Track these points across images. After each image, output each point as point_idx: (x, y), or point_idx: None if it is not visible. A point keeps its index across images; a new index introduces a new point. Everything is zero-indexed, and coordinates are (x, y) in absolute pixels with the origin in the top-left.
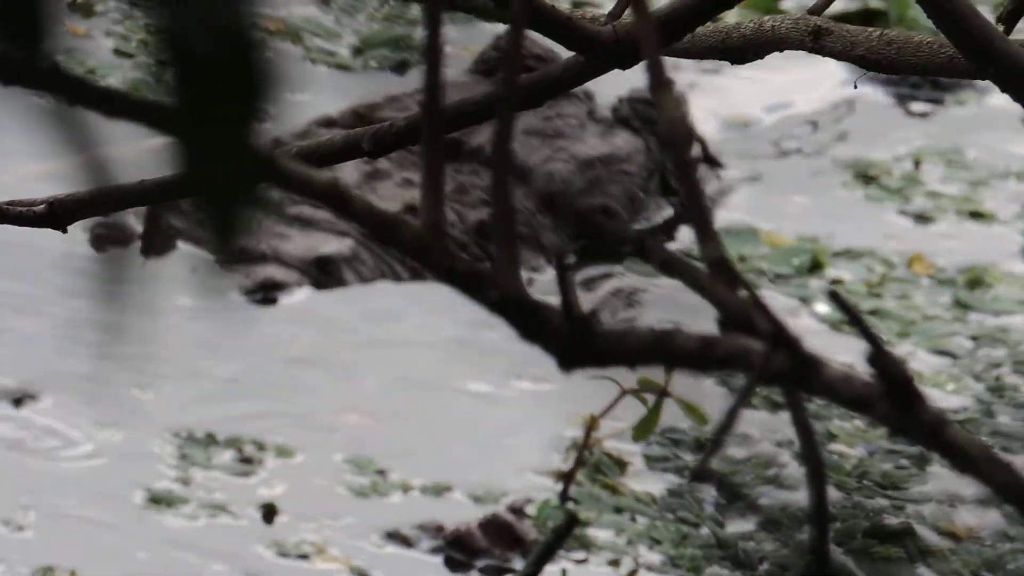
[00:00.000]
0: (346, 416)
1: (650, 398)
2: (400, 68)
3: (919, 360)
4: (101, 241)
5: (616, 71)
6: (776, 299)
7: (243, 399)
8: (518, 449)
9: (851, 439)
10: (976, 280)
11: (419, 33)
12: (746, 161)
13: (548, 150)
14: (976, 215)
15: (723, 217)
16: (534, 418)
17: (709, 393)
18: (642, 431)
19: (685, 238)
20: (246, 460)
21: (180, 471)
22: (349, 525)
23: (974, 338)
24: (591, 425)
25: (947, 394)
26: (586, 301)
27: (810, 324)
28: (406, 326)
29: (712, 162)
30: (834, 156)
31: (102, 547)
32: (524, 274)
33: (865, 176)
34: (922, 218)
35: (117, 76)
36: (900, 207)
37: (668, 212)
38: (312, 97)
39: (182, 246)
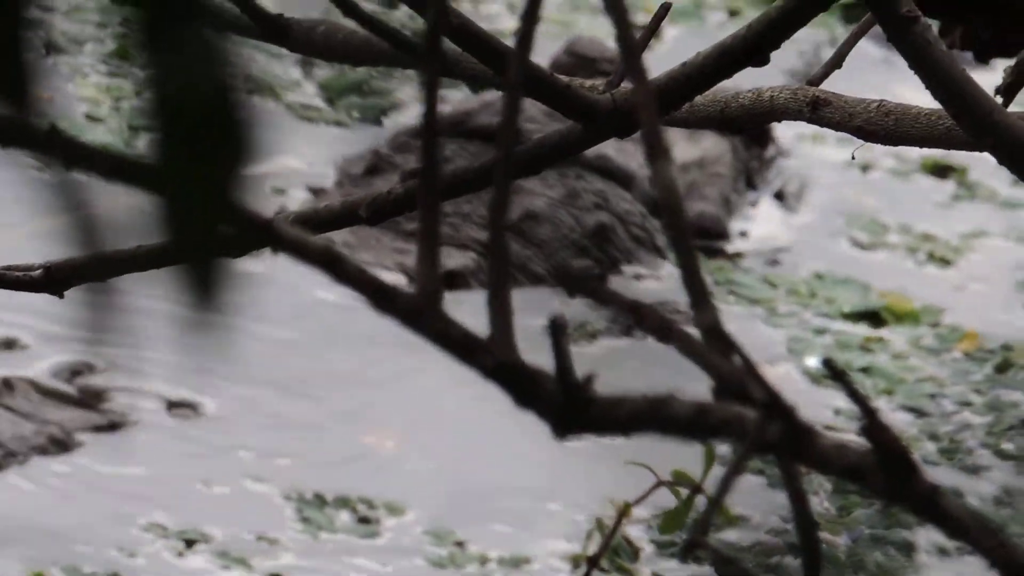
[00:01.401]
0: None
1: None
2: (377, 119)
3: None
4: None
5: None
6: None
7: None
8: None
9: (833, 526)
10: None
11: (386, 77)
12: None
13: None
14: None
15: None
16: (569, 481)
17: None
18: (671, 525)
19: (762, 230)
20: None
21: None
22: None
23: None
24: (623, 512)
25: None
26: (587, 354)
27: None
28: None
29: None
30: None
31: None
32: (640, 277)
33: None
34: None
35: (91, 140)
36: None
37: (757, 212)
38: (291, 154)
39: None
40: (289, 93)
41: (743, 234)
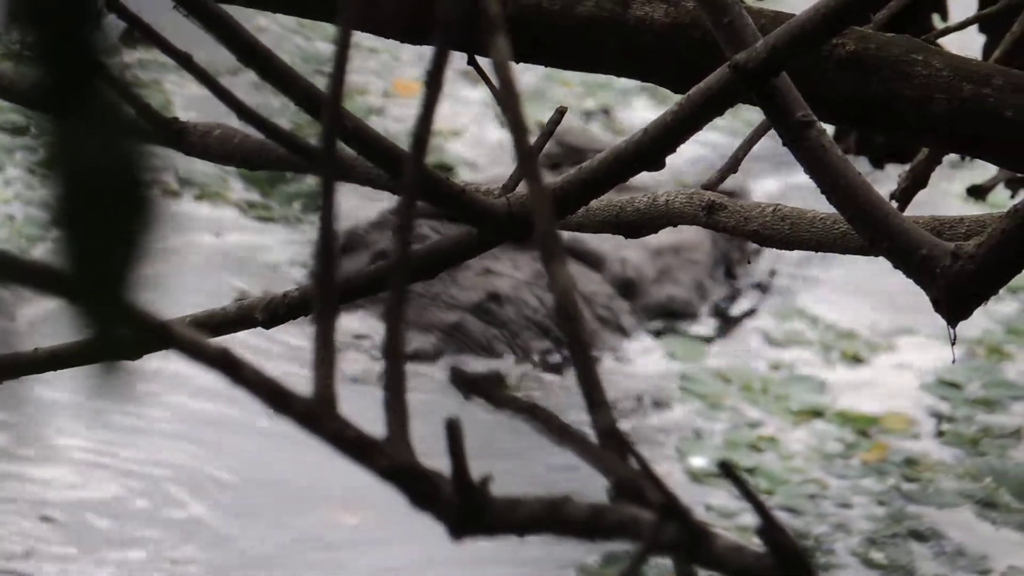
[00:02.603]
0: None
1: None
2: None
3: None
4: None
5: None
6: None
7: None
8: None
9: None
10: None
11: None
12: None
13: (619, 238)
14: None
15: None
16: None
17: None
18: None
19: (762, 323)
20: None
21: None
22: None
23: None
24: None
25: None
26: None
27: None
28: None
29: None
30: None
31: None
32: (604, 354)
33: None
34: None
35: None
36: None
37: (735, 300)
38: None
39: None
40: (224, 190)
41: (723, 318)
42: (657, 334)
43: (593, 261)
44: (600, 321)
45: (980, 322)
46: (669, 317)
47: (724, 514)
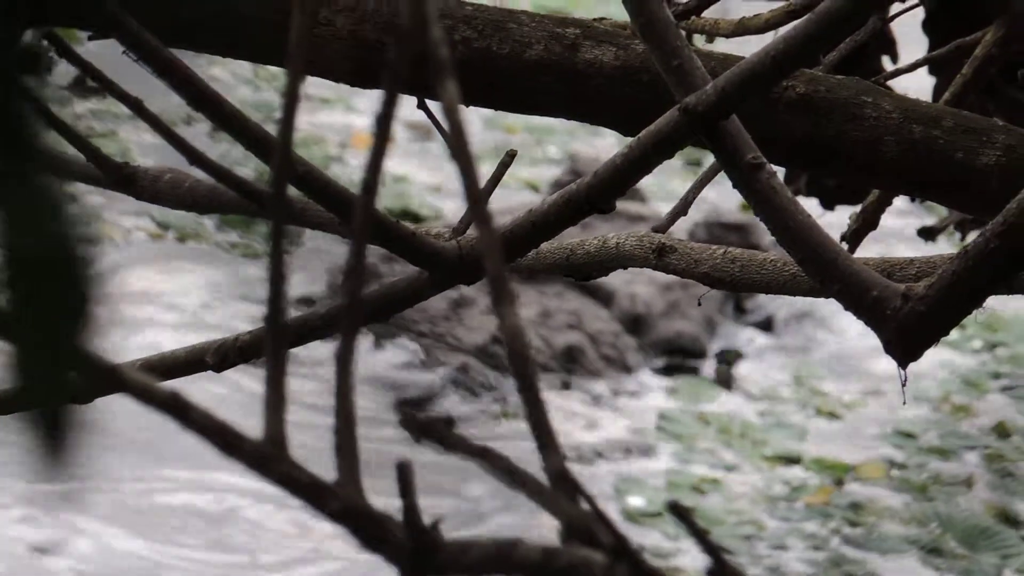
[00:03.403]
0: None
1: None
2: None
3: None
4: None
5: None
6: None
7: None
8: None
9: None
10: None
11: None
12: None
13: (630, 273)
14: None
15: None
16: None
17: None
18: None
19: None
20: None
21: None
22: None
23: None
24: None
25: None
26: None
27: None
28: None
29: None
30: None
31: None
32: (610, 390)
33: None
34: None
35: None
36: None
37: (742, 335)
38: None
39: None
40: (203, 231)
41: (725, 361)
42: (663, 371)
43: (603, 297)
44: (605, 360)
45: (939, 374)
46: (677, 354)
47: (658, 554)
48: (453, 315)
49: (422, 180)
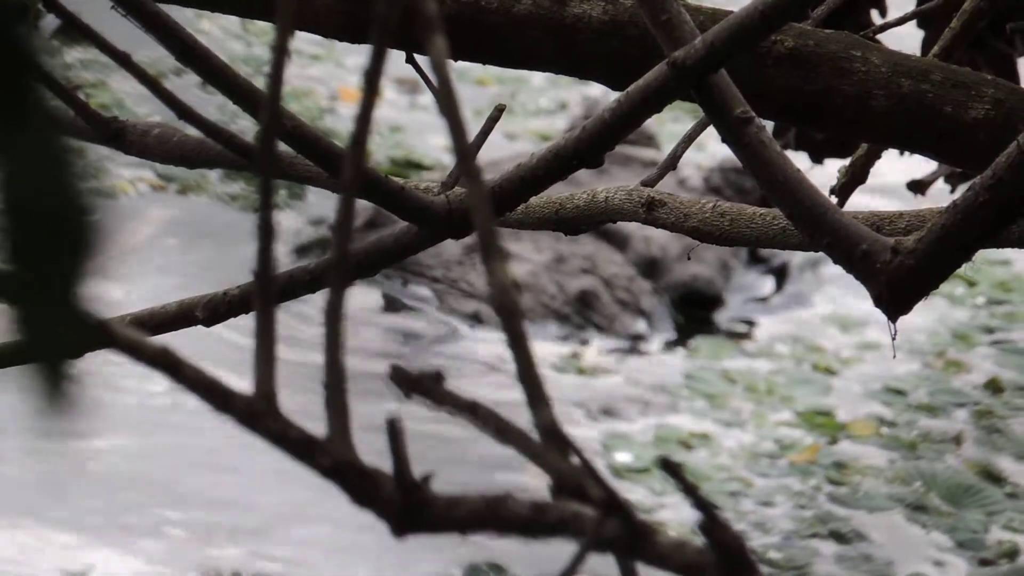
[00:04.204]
0: None
1: None
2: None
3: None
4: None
5: (711, 136)
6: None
7: None
8: None
9: None
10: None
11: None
12: None
13: None
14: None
15: None
16: None
17: None
18: None
19: (779, 306)
20: None
21: None
22: None
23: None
24: None
25: None
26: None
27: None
28: None
29: None
30: None
31: None
32: (627, 338)
33: None
34: None
35: None
36: None
37: (758, 280)
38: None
39: None
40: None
41: (748, 323)
42: (679, 328)
43: (618, 241)
44: (620, 304)
45: (932, 327)
46: (693, 298)
47: (643, 510)
48: (467, 259)
49: (418, 131)
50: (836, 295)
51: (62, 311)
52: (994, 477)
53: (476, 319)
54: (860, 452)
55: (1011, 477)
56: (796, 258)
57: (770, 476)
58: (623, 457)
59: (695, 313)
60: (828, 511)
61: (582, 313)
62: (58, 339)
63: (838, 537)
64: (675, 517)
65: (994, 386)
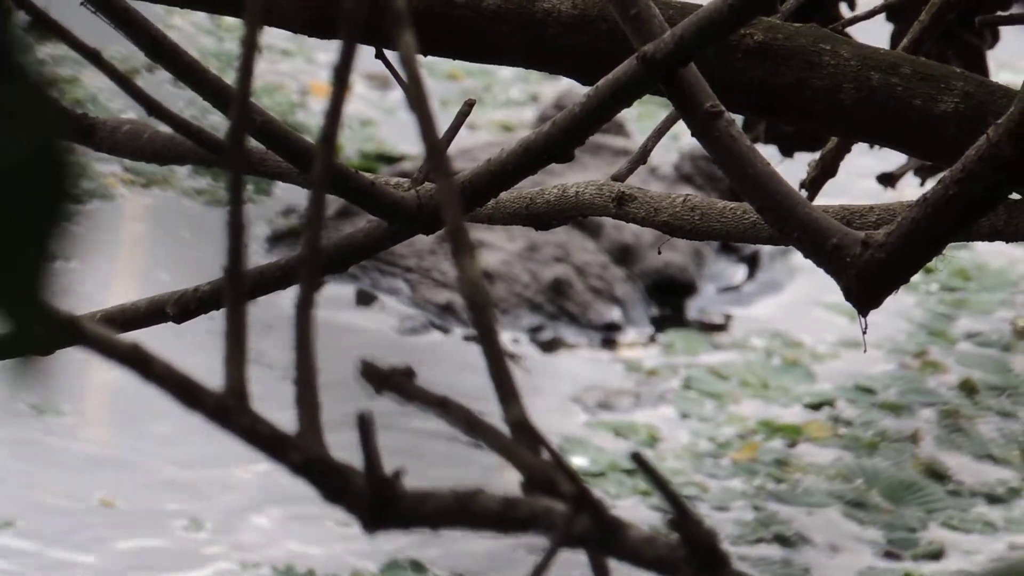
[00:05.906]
0: None
1: None
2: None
3: None
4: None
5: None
6: None
7: None
8: None
9: None
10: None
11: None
12: None
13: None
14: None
15: None
16: None
17: None
18: None
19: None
20: None
21: None
22: None
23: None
24: None
25: None
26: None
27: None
28: None
29: None
30: None
31: None
32: (601, 328)
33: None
34: None
35: None
36: None
37: (729, 268)
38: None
39: None
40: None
41: (722, 314)
42: (653, 320)
43: (591, 228)
44: (593, 292)
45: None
46: (665, 286)
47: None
48: (439, 249)
49: (388, 125)
50: (809, 283)
51: (28, 306)
52: (938, 475)
53: (448, 309)
54: (800, 450)
55: (957, 475)
56: (768, 247)
57: (711, 475)
58: (579, 461)
59: (668, 300)
60: (767, 509)
61: (555, 302)
62: (28, 335)
63: (782, 540)
64: (632, 519)
65: (968, 387)
